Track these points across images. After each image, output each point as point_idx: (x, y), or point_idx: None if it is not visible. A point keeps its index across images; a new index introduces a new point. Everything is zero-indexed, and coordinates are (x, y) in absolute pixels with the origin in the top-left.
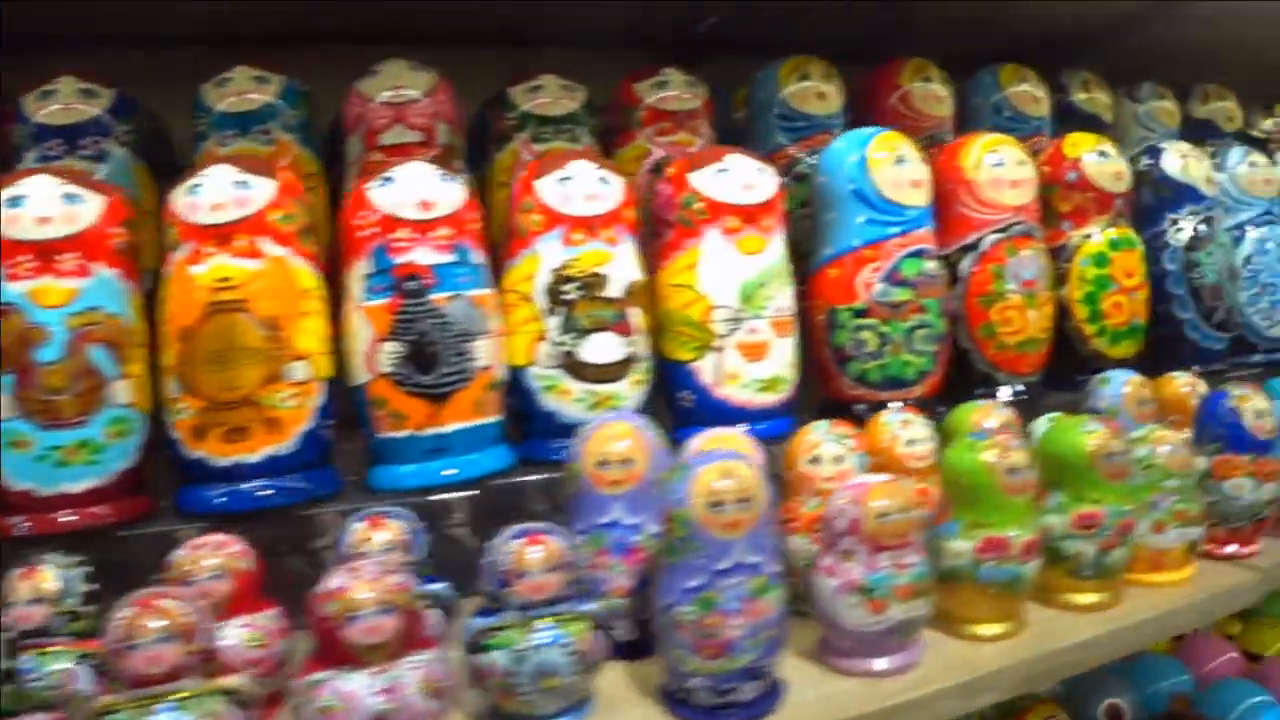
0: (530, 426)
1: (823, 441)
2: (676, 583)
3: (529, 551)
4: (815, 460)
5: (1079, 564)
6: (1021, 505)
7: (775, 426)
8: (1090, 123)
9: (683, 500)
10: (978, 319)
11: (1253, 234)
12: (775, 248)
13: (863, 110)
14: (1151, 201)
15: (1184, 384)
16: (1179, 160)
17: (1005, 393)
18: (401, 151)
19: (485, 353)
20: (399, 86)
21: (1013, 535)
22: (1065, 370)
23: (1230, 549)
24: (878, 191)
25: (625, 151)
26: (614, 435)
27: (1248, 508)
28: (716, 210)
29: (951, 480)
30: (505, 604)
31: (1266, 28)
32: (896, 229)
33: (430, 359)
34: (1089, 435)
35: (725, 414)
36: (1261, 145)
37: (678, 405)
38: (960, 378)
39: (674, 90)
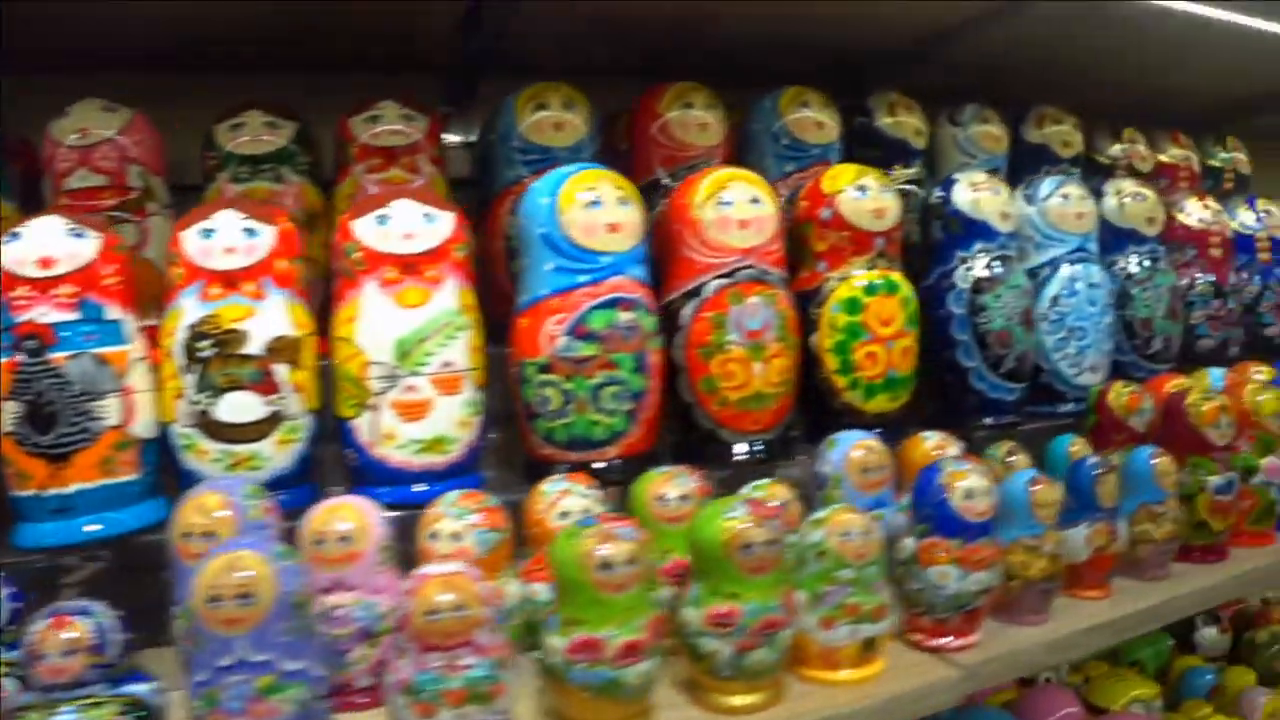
0: (181, 484)
1: (444, 516)
2: (191, 675)
3: (52, 634)
4: (433, 536)
5: (715, 664)
6: (622, 603)
7: (447, 489)
8: (896, 149)
9: (188, 593)
10: (698, 372)
11: (1062, 272)
12: (443, 299)
13: (630, 140)
14: (942, 238)
15: (933, 447)
16: (970, 193)
17: (740, 452)
18: (87, 196)
19: (114, 411)
20: (85, 128)
21: (607, 636)
22: (819, 426)
23: (938, 641)
24: (567, 237)
25: (342, 189)
26: (198, 507)
27: (953, 598)
28: (375, 260)
29: (552, 571)
30: (32, 685)
31: (1109, 42)
32: (586, 277)
33: (48, 419)
34: (726, 524)
35: (384, 474)
36: (1108, 171)
37: (346, 464)
38: (685, 436)
39: (386, 124)
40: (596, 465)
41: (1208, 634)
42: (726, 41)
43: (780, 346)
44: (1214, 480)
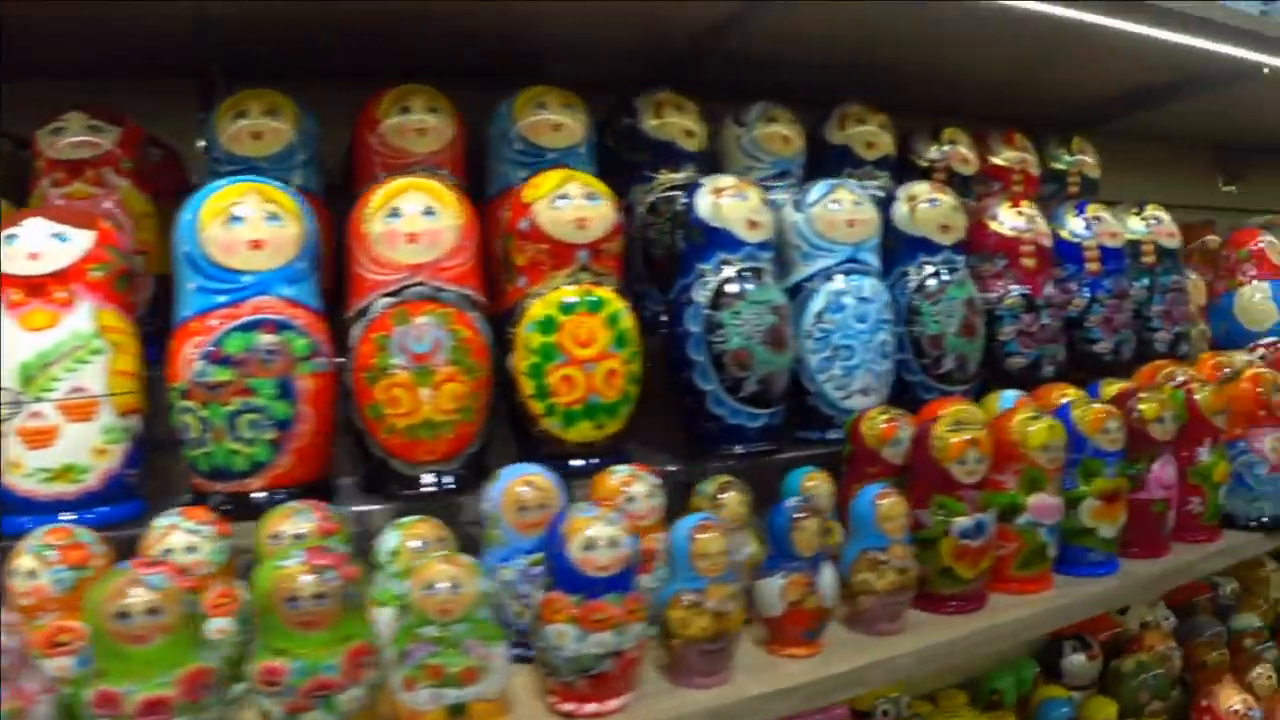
0: None
1: (25, 553)
2: None
3: None
4: (12, 574)
5: None
6: (143, 655)
7: (97, 518)
8: (663, 151)
9: None
10: (365, 397)
11: (828, 286)
12: (75, 322)
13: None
14: (685, 249)
15: (621, 481)
16: (711, 199)
17: (428, 484)
18: None
19: None
20: None
21: (125, 691)
22: (525, 456)
23: (568, 707)
24: (206, 255)
25: (33, 203)
26: None
27: (573, 661)
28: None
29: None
30: None
31: (925, 39)
32: (225, 298)
33: None
34: (275, 573)
35: (14, 504)
36: (925, 175)
37: None
38: (366, 465)
39: (70, 136)
40: (255, 496)
41: (1075, 661)
42: (494, 43)
43: (454, 370)
44: (959, 522)
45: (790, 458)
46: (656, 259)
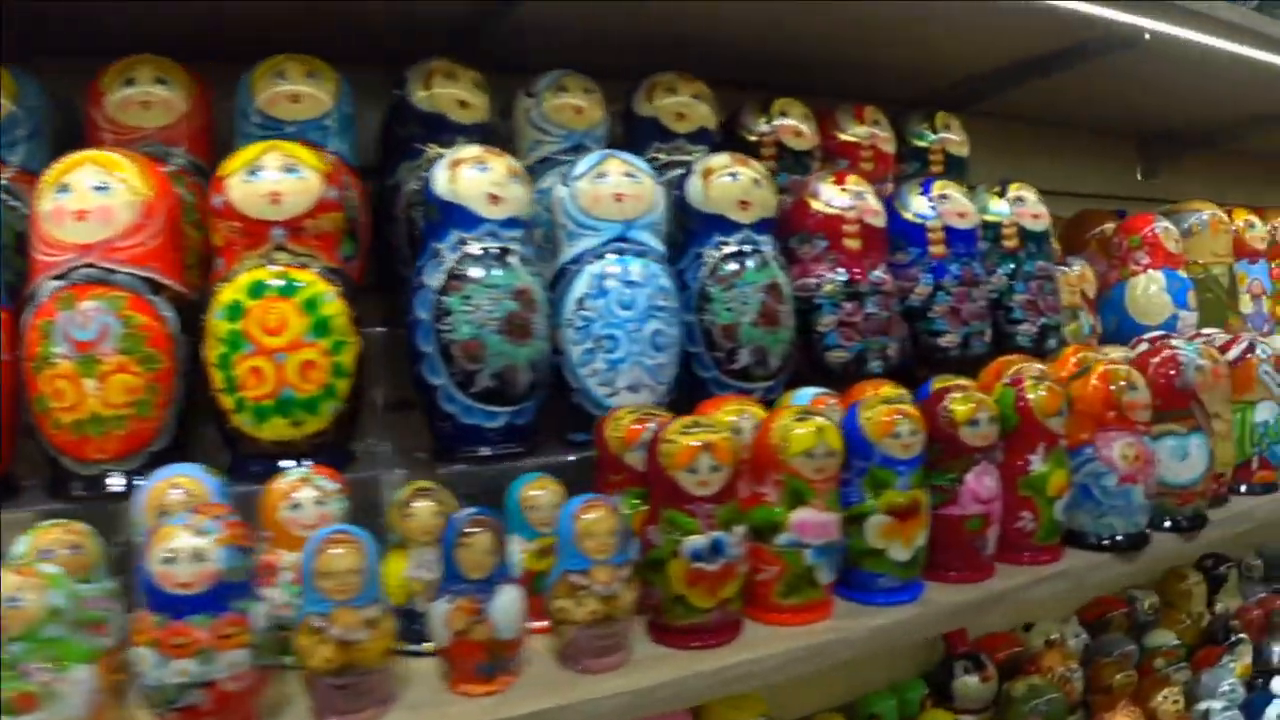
0: None
1: None
2: None
3: None
4: None
5: None
6: None
7: None
8: (433, 124)
9: None
10: (32, 389)
11: (590, 268)
12: None
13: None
14: (424, 227)
15: (288, 486)
16: (447, 173)
17: (117, 484)
18: None
19: None
20: None
21: None
22: (231, 456)
23: None
24: None
25: None
26: None
27: (157, 690)
28: None
29: None
30: None
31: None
32: None
33: None
34: None
35: None
36: (753, 150)
37: None
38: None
39: None
40: None
41: (967, 682)
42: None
43: (126, 360)
44: (690, 542)
45: (544, 463)
46: (420, 240)
